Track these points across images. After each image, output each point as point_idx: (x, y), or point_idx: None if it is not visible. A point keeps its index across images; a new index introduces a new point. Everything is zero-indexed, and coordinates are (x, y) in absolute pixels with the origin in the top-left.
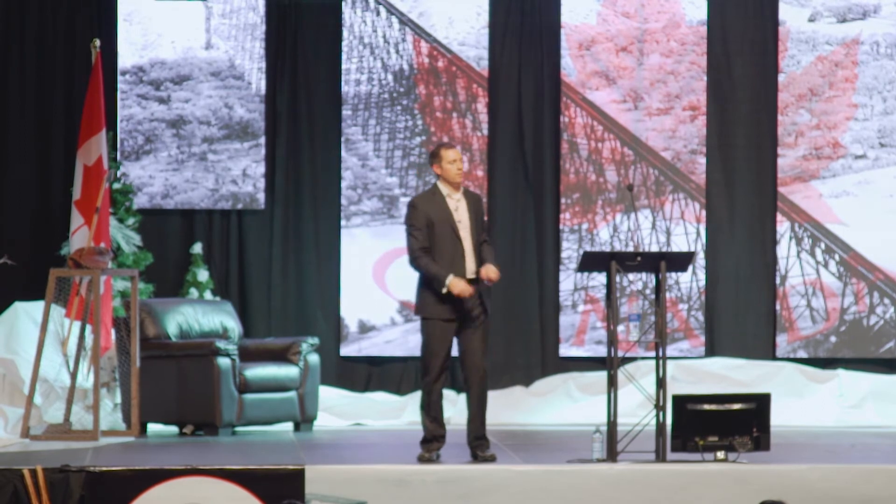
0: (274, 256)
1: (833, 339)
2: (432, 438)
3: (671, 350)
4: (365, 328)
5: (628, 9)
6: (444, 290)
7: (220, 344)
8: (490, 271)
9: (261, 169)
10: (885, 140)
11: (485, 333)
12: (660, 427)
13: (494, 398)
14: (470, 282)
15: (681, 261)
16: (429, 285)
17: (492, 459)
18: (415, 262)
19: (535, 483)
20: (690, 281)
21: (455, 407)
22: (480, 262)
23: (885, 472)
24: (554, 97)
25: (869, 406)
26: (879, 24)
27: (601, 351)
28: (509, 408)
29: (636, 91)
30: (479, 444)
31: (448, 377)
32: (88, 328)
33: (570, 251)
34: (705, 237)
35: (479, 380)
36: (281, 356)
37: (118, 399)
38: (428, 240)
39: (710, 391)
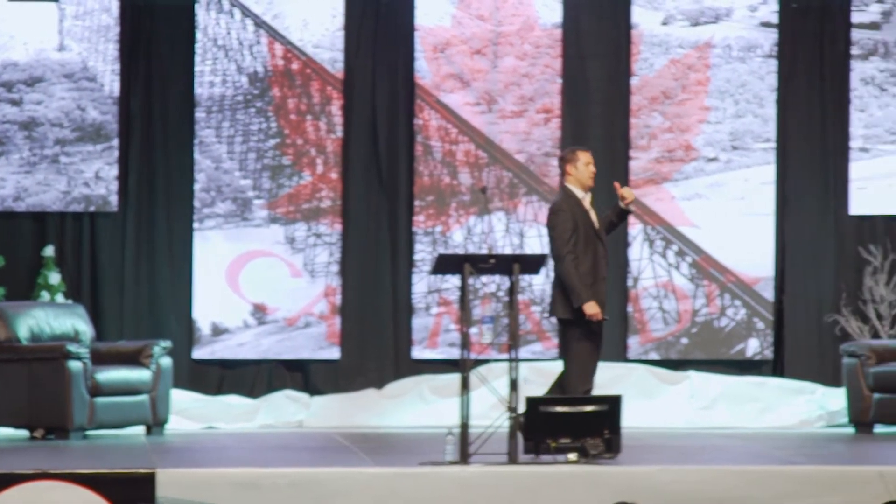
0: (126, 259)
1: (684, 340)
2: None
3: (524, 352)
4: (218, 331)
5: (483, 11)
6: (576, 306)
7: (72, 347)
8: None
9: (113, 171)
10: (736, 143)
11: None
12: (512, 429)
13: (347, 400)
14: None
15: (534, 263)
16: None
17: None
18: (562, 266)
19: (388, 485)
20: (543, 283)
21: (309, 409)
22: (611, 226)
23: (735, 473)
24: (408, 99)
25: (720, 407)
26: (731, 28)
27: (454, 353)
28: (362, 410)
29: (490, 93)
30: None
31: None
32: None
33: (423, 253)
34: None
35: None
36: (133, 359)
37: None
38: (576, 245)
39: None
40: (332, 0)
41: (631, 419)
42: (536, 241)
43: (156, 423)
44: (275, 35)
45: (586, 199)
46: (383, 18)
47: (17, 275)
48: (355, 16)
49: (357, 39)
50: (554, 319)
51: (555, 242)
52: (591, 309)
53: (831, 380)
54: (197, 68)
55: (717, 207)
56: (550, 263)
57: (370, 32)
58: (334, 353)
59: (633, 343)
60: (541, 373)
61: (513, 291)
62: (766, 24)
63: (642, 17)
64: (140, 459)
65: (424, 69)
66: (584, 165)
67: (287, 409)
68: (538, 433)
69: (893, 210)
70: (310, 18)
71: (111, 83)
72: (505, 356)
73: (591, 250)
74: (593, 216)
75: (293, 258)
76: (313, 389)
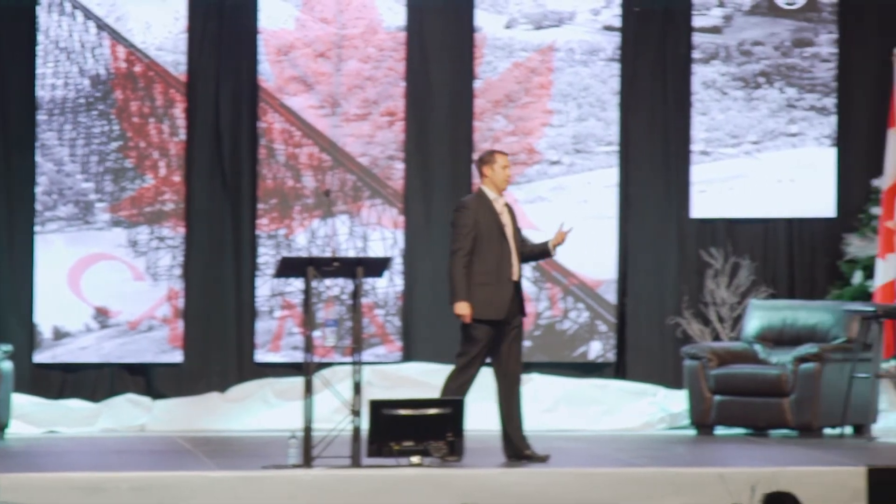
0: None
1: (527, 343)
2: None
3: (368, 355)
4: (59, 334)
5: (326, 14)
6: (450, 304)
7: None
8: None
9: None
10: (579, 146)
11: (521, 336)
12: (355, 432)
13: (190, 404)
14: (514, 284)
15: (377, 266)
16: (473, 287)
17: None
18: (450, 260)
19: (230, 489)
20: (387, 286)
21: (151, 413)
22: (530, 254)
23: (578, 476)
24: (252, 102)
25: (562, 409)
26: (574, 31)
27: (298, 356)
28: (205, 414)
29: (334, 96)
30: (527, 444)
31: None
32: None
33: (267, 257)
34: (403, 242)
35: (518, 382)
36: None
37: None
38: (473, 242)
39: (406, 396)
40: (174, 2)
41: (474, 422)
42: (380, 245)
43: None
44: (117, 37)
45: (499, 201)
46: (227, 21)
47: None
48: (198, 18)
49: (200, 42)
50: (397, 323)
51: (453, 237)
52: (461, 310)
53: (673, 382)
54: (38, 70)
55: (560, 210)
56: (395, 267)
57: (213, 35)
58: (177, 357)
59: None
60: (385, 376)
61: (356, 295)
62: (608, 28)
63: (486, 21)
64: None
65: (268, 72)
66: (500, 168)
67: (129, 413)
68: (382, 436)
69: (734, 213)
70: (153, 21)
71: None
72: (348, 359)
73: (494, 250)
74: (506, 218)
75: (136, 261)
76: (156, 393)
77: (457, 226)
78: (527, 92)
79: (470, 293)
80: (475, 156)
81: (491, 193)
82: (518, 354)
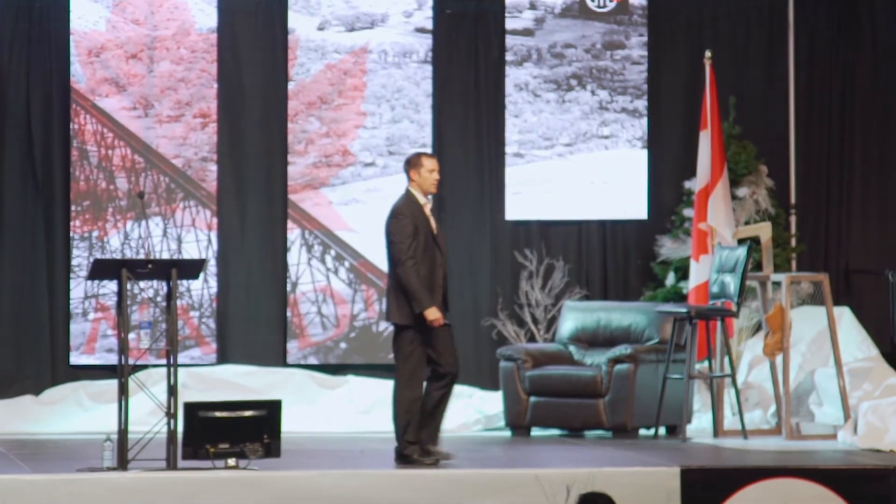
0: None
1: (343, 345)
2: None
3: (183, 357)
4: None
5: (138, 16)
6: (417, 312)
7: None
8: None
9: None
10: (393, 148)
11: (453, 334)
12: (171, 435)
13: (3, 407)
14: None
15: (192, 268)
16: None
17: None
18: (403, 271)
19: (44, 492)
20: (202, 288)
21: None
22: None
23: (395, 477)
24: (64, 104)
25: (378, 411)
26: (387, 34)
27: (112, 359)
28: (18, 417)
29: (146, 98)
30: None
31: None
32: None
33: (80, 259)
34: (217, 244)
35: (455, 380)
36: None
37: None
38: (415, 250)
39: (221, 398)
40: None
41: (290, 424)
42: (194, 247)
43: None
44: None
45: (427, 206)
46: (37, 22)
47: None
48: (8, 19)
49: (10, 43)
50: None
51: (395, 247)
52: (432, 315)
53: (488, 383)
54: None
55: (374, 212)
56: (209, 269)
57: (24, 36)
58: None
59: (293, 348)
60: (200, 378)
61: (171, 297)
62: (421, 30)
63: (298, 23)
64: None
65: (80, 73)
66: (427, 172)
67: None
68: (197, 438)
69: (548, 215)
70: None
71: None
72: (163, 361)
73: (428, 257)
74: (433, 223)
75: None
76: None
77: (398, 235)
78: (340, 94)
79: (431, 298)
80: (290, 158)
81: (420, 197)
82: (455, 352)
